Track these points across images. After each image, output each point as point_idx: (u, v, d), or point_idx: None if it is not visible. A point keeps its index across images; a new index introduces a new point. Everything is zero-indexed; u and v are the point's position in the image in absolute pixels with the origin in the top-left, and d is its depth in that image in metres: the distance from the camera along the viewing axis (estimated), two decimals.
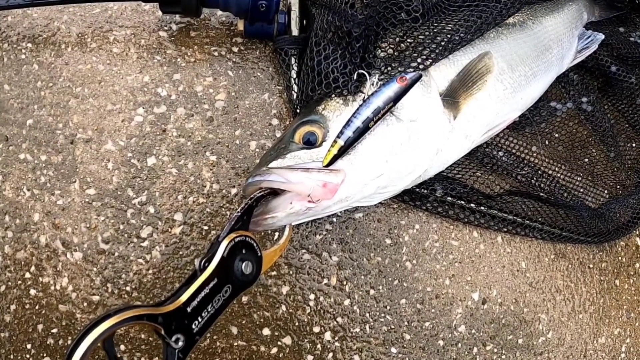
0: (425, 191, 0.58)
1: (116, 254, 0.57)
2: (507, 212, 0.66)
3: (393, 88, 0.46)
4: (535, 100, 0.68)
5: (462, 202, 0.62)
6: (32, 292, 0.57)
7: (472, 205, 0.63)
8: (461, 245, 0.64)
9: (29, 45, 0.62)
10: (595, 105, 0.74)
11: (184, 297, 0.37)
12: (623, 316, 0.79)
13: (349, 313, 0.59)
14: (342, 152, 0.45)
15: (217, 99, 0.60)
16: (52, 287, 0.57)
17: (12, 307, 0.58)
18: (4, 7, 0.57)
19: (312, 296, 0.58)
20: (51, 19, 0.63)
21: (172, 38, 0.62)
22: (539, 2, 0.69)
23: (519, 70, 0.63)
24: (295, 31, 0.59)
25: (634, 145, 0.83)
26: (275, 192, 0.46)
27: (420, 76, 0.47)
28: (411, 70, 0.50)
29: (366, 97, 0.48)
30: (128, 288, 0.57)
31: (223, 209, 0.58)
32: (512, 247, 0.68)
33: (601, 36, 0.77)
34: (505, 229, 0.66)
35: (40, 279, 0.57)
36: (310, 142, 0.47)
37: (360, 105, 0.46)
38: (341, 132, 0.46)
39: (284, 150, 0.47)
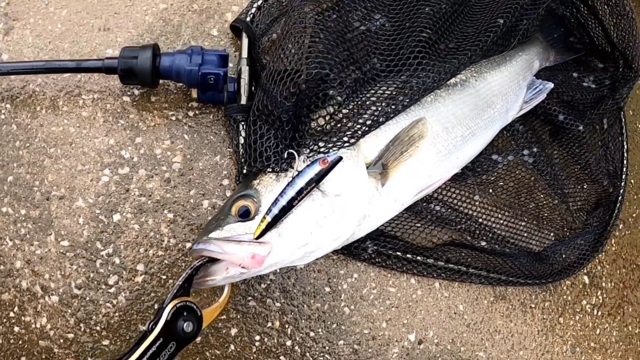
0: (358, 247, 0.67)
1: (87, 298, 0.69)
2: (445, 261, 0.74)
3: (315, 170, 0.55)
4: (476, 155, 0.76)
5: (398, 254, 0.71)
6: (16, 329, 0.70)
7: (409, 256, 0.72)
8: (398, 292, 0.74)
9: (8, 106, 0.73)
10: (537, 157, 0.81)
11: (135, 356, 0.49)
12: (568, 351, 0.87)
13: (291, 352, 0.69)
14: (270, 227, 0.55)
15: (174, 161, 0.70)
16: (33, 326, 0.69)
17: None
18: None
19: (257, 337, 0.69)
20: (27, 82, 0.73)
21: (135, 103, 0.71)
22: (486, 58, 0.76)
23: (455, 132, 0.70)
24: (244, 99, 0.68)
25: (585, 186, 0.90)
26: (214, 259, 0.56)
27: (341, 158, 0.56)
28: (339, 147, 0.59)
29: (295, 174, 0.57)
30: (98, 328, 0.68)
31: (179, 261, 0.69)
32: (450, 291, 0.77)
33: (550, 85, 0.83)
34: (442, 276, 0.75)
35: (23, 318, 0.69)
36: (245, 215, 0.57)
37: (287, 185, 0.56)
38: (269, 209, 0.55)
39: (223, 222, 0.57)
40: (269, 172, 0.58)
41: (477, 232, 0.77)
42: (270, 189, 0.57)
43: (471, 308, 0.78)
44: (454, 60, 0.66)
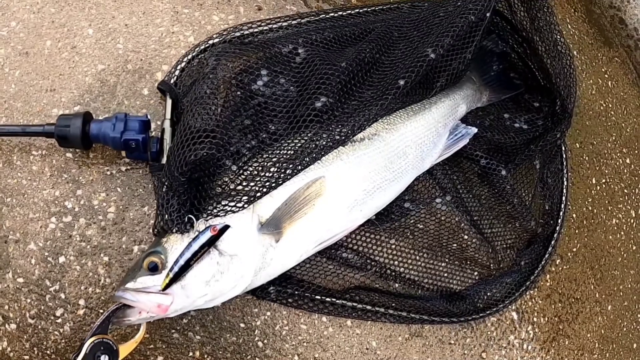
0: (262, 291, 0.85)
1: (39, 327, 0.91)
2: (357, 302, 0.90)
3: (206, 236, 0.73)
4: (385, 205, 0.90)
5: (307, 294, 0.88)
6: None
7: (317, 297, 0.88)
8: (309, 328, 0.91)
9: None
10: (454, 203, 0.94)
11: None
12: None
13: None
14: (173, 280, 0.74)
15: (109, 211, 0.90)
16: None
17: None
18: None
19: None
20: None
21: (75, 159, 0.91)
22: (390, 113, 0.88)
23: (358, 187, 0.83)
24: (165, 158, 0.86)
25: (517, 224, 1.02)
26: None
27: (228, 226, 0.73)
28: (235, 210, 0.76)
29: (194, 236, 0.75)
30: (48, 352, 0.91)
31: (113, 297, 0.89)
32: (362, 329, 0.93)
33: (473, 130, 0.95)
34: (354, 315, 0.91)
35: None
36: (154, 269, 0.76)
37: (185, 248, 0.74)
38: (172, 267, 0.74)
39: (136, 274, 0.76)
40: (174, 232, 0.77)
41: (390, 276, 0.92)
42: (175, 247, 0.75)
43: (384, 344, 0.94)
44: (349, 124, 0.80)
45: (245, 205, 0.75)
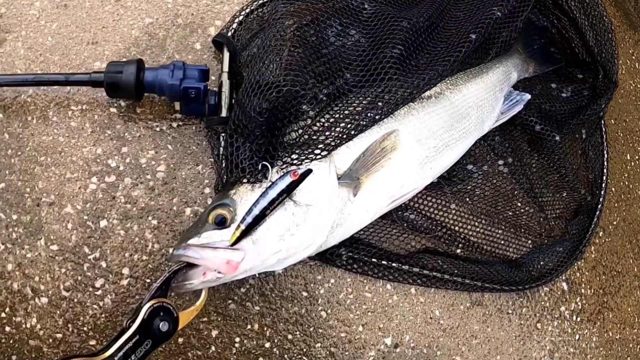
0: (332, 254, 0.72)
1: (75, 300, 0.74)
2: (420, 267, 0.79)
3: (286, 182, 0.60)
4: (450, 166, 0.81)
5: (374, 260, 0.76)
6: (7, 329, 0.75)
7: (384, 262, 0.77)
8: (374, 297, 0.79)
9: (0, 115, 0.79)
10: (512, 167, 0.86)
11: (112, 350, 0.54)
12: (546, 356, 0.92)
13: (269, 354, 0.75)
14: (244, 235, 0.60)
15: (158, 170, 0.76)
16: (24, 326, 0.75)
17: None
18: None
19: (237, 339, 0.74)
20: (19, 92, 0.79)
21: (121, 114, 0.77)
22: (459, 71, 0.81)
23: (428, 143, 0.75)
24: (224, 111, 0.73)
25: (564, 194, 0.95)
26: (192, 264, 0.62)
27: (310, 171, 0.61)
28: (312, 159, 0.64)
29: (269, 185, 0.62)
30: (85, 328, 0.74)
31: (162, 265, 0.74)
32: (426, 297, 0.82)
33: (527, 96, 0.88)
34: (418, 282, 0.80)
35: (14, 318, 0.75)
36: (221, 223, 0.62)
37: (260, 195, 0.61)
38: (244, 218, 0.61)
39: (200, 229, 0.62)
40: (244, 182, 0.64)
41: (453, 240, 0.82)
42: (245, 198, 0.62)
43: (447, 313, 0.83)
44: (424, 76, 0.71)
45: (325, 153, 0.63)
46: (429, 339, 0.82)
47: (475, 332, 0.85)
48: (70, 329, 0.74)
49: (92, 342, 0.74)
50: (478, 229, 0.85)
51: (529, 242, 0.90)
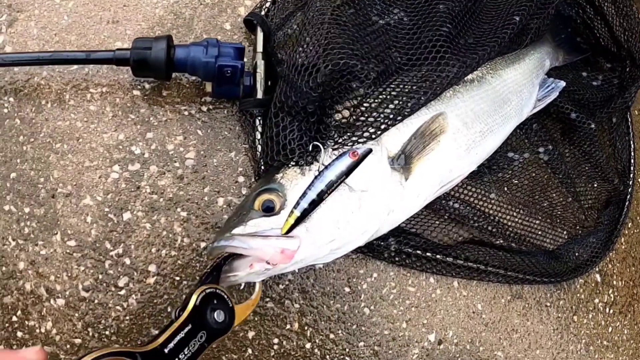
0: (380, 245, 0.65)
1: (96, 301, 0.64)
2: (463, 259, 0.72)
3: (345, 162, 0.53)
4: (492, 152, 0.75)
5: (419, 252, 0.69)
6: (19, 334, 0.65)
7: (428, 254, 0.69)
8: (418, 291, 0.71)
9: (11, 99, 0.68)
10: (552, 154, 0.80)
11: (161, 339, 0.44)
12: (582, 350, 0.86)
13: (310, 355, 0.66)
14: (299, 222, 0.52)
15: (187, 157, 0.67)
16: (38, 330, 0.64)
17: (0, 347, 0.65)
18: None
19: (275, 340, 0.65)
20: (32, 74, 0.69)
21: (145, 97, 0.68)
22: (500, 55, 0.75)
23: (474, 127, 0.69)
24: (260, 93, 0.65)
25: (595, 185, 0.90)
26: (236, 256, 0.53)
27: (371, 150, 0.54)
28: (364, 140, 0.57)
29: (321, 167, 0.54)
30: (107, 332, 0.64)
31: (193, 261, 0.65)
32: (468, 290, 0.75)
33: (562, 83, 0.83)
34: (461, 274, 0.73)
35: (27, 322, 0.65)
36: (269, 209, 0.54)
37: (315, 178, 0.53)
38: (297, 203, 0.53)
39: (245, 217, 0.54)
40: (292, 165, 0.56)
41: (494, 230, 0.75)
42: (295, 182, 0.54)
43: (489, 307, 0.76)
44: (474, 56, 0.64)
45: (378, 133, 0.55)
46: (471, 334, 0.74)
47: (516, 326, 0.78)
48: (91, 334, 0.64)
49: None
50: (517, 220, 0.79)
51: (564, 233, 0.85)
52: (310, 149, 0.54)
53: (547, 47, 0.87)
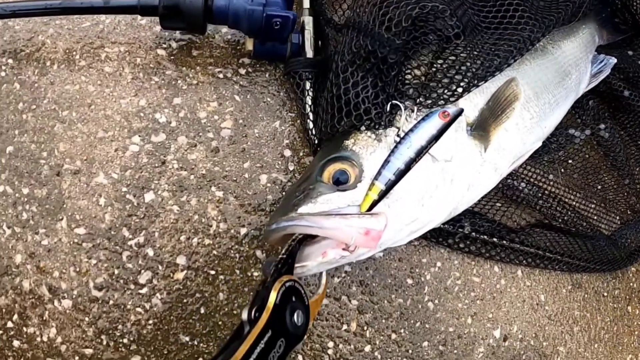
0: (453, 228, 0.54)
1: (111, 302, 0.50)
2: (528, 245, 0.63)
3: (434, 124, 0.41)
4: (554, 128, 0.66)
5: (485, 237, 0.58)
6: (16, 343, 0.50)
7: (495, 239, 0.59)
8: (482, 282, 0.61)
9: (10, 61, 0.54)
10: (612, 131, 0.72)
11: (240, 353, 0.30)
12: (635, 342, 0.77)
13: None
14: (382, 196, 0.40)
15: (223, 127, 0.54)
16: (39, 339, 0.50)
17: None
18: None
19: (330, 344, 0.53)
20: (35, 32, 0.55)
21: (172, 57, 0.55)
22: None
23: (543, 97, 0.60)
24: (309, 53, 0.53)
25: None
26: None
27: (462, 111, 0.43)
28: (444, 101, 0.46)
29: (402, 132, 0.43)
30: (125, 340, 0.50)
31: (232, 251, 0.52)
32: (532, 280, 0.65)
33: (613, 60, 0.75)
34: (525, 262, 0.64)
35: (25, 329, 0.50)
36: (339, 182, 0.42)
37: (399, 143, 0.41)
38: (379, 173, 0.41)
39: (313, 192, 0.41)
40: (363, 130, 0.44)
41: (556, 212, 0.66)
42: (371, 149, 0.43)
43: (552, 298, 0.66)
44: (551, 17, 0.55)
45: (465, 94, 0.45)
46: (535, 328, 0.64)
47: (577, 318, 0.69)
48: (105, 342, 0.50)
49: (136, 359, 0.50)
50: (574, 202, 0.70)
51: (617, 218, 0.76)
52: (388, 109, 0.43)
53: (595, 25, 0.80)
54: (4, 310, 0.50)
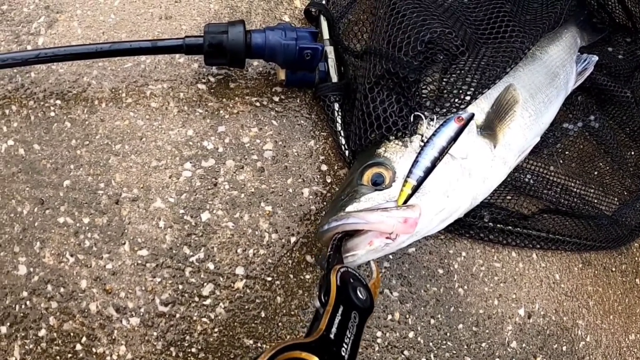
0: (474, 219, 0.65)
1: (177, 315, 0.59)
2: (540, 230, 0.75)
3: (452, 128, 0.54)
4: (549, 124, 0.79)
5: (501, 226, 0.70)
6: None
7: (510, 227, 0.71)
8: (503, 266, 0.72)
9: (58, 102, 0.64)
10: (601, 121, 0.86)
11: (322, 325, 0.40)
12: None
13: (414, 345, 0.64)
14: (415, 190, 0.52)
15: (265, 149, 0.65)
16: (109, 358, 0.58)
17: None
18: (30, 62, 0.59)
19: (379, 333, 0.63)
20: (80, 75, 0.65)
21: (212, 90, 0.66)
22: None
23: (537, 97, 0.74)
24: (334, 78, 0.66)
25: (632, 153, 0.97)
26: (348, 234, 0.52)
27: (473, 115, 0.55)
28: (455, 108, 0.58)
29: (425, 137, 0.55)
30: (194, 350, 0.59)
31: (284, 258, 0.62)
32: (546, 261, 0.77)
33: (595, 57, 0.90)
34: (538, 246, 0.76)
35: (94, 349, 0.58)
36: (377, 183, 0.53)
37: (424, 146, 0.53)
38: (410, 172, 0.52)
39: (356, 194, 0.53)
40: (391, 139, 0.56)
41: (561, 197, 0.79)
42: (400, 154, 0.55)
43: (566, 276, 0.78)
44: (537, 28, 0.69)
45: (473, 101, 0.57)
46: (554, 304, 0.76)
47: (590, 293, 0.81)
48: (174, 353, 0.59)
49: None
50: (575, 189, 0.83)
51: (615, 199, 0.89)
52: (411, 119, 0.55)
53: (575, 28, 0.95)
54: (71, 334, 0.58)
